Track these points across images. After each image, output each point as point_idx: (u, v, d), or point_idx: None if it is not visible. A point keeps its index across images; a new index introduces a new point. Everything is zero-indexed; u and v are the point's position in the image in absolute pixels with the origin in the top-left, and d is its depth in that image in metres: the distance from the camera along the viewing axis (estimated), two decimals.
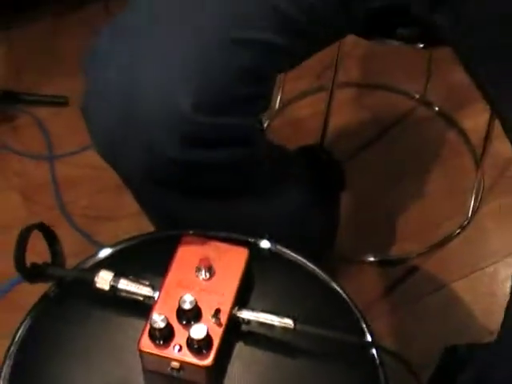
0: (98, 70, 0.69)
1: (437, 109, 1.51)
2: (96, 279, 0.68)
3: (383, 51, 1.57)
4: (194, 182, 0.73)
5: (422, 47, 1.00)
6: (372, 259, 1.30)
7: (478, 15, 0.81)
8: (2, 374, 0.67)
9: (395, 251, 1.32)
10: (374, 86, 1.54)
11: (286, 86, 1.45)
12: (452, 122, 1.49)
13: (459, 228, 1.34)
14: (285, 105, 1.49)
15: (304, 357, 0.65)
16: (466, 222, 1.34)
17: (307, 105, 1.48)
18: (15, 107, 1.51)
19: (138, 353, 0.63)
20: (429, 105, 1.52)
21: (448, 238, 1.32)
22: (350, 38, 0.99)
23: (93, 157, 0.89)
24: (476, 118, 1.46)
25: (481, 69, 0.83)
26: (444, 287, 1.27)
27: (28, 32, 1.65)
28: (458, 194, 1.38)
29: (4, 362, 0.68)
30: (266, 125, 1.45)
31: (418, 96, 1.52)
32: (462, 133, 1.47)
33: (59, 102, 1.52)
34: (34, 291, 0.75)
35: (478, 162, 1.36)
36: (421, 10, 0.88)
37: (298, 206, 0.93)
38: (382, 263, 1.30)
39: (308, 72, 1.52)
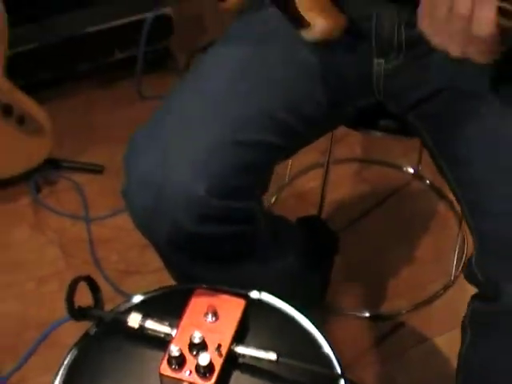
0: (136, 165, 0.93)
1: (428, 182, 1.73)
2: (128, 320, 0.89)
3: None
4: (206, 249, 0.96)
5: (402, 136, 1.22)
6: (365, 314, 1.50)
7: (442, 115, 1.03)
8: None
9: (386, 307, 1.52)
10: (373, 161, 1.77)
11: (294, 161, 1.68)
12: (442, 195, 1.71)
13: (443, 289, 1.54)
14: (293, 178, 1.72)
15: None
16: (449, 284, 1.55)
17: (313, 178, 1.70)
18: (57, 173, 1.75)
19: (158, 376, 0.84)
20: (421, 179, 1.74)
21: (433, 298, 1.53)
22: None
23: (123, 219, 1.11)
24: None
25: (441, 161, 1.05)
26: (427, 341, 1.47)
27: (68, 105, 1.90)
28: (443, 259, 1.59)
29: None
30: (274, 198, 1.67)
31: (412, 171, 1.75)
32: (451, 204, 1.69)
33: (95, 169, 1.76)
34: (73, 331, 0.96)
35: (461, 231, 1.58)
36: (396, 110, 1.11)
37: (294, 269, 1.15)
38: (374, 318, 1.50)
39: (315, 148, 1.74)
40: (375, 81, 1.07)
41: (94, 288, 0.94)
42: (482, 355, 0.94)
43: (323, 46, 1.00)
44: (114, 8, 1.85)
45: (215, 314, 0.88)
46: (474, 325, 0.94)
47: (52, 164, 1.73)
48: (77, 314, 0.92)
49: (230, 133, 0.92)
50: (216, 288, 0.92)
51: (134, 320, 0.89)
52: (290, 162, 1.67)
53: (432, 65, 1.02)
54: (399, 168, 1.75)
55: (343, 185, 1.71)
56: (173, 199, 0.90)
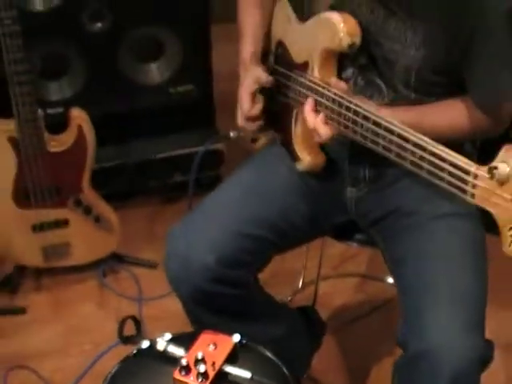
0: (171, 245, 1.45)
1: None
2: (157, 345, 1.36)
3: None
4: (217, 305, 1.44)
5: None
6: None
7: (390, 230, 1.50)
8: None
9: None
10: (372, 277, 2.22)
11: (307, 272, 2.15)
12: None
13: None
14: (305, 286, 2.18)
15: None
16: None
17: (322, 287, 2.15)
18: (120, 264, 2.26)
19: (172, 380, 1.30)
20: None
21: None
22: None
23: (169, 302, 1.57)
24: None
25: (389, 263, 1.50)
26: None
27: (135, 213, 2.43)
28: None
29: None
30: (289, 298, 2.13)
31: None
32: None
33: (150, 265, 2.26)
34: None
35: None
36: (364, 225, 1.58)
37: (284, 336, 1.60)
38: None
39: (328, 261, 2.21)
40: (349, 204, 1.55)
41: (138, 324, 1.42)
42: None
43: (310, 174, 1.51)
44: (178, 139, 2.41)
45: (215, 345, 1.34)
46: (396, 372, 1.38)
47: (116, 257, 2.24)
48: (124, 338, 1.39)
49: (237, 227, 1.42)
50: (217, 331, 1.39)
51: (161, 345, 1.36)
52: (303, 270, 2.15)
53: (386, 195, 1.50)
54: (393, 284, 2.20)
55: (344, 295, 2.17)
56: (192, 268, 1.41)
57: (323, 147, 1.51)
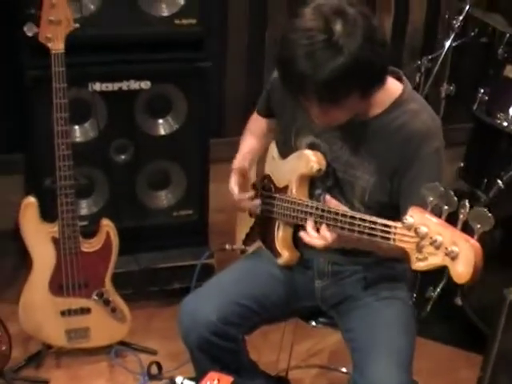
0: (183, 308, 2.09)
1: None
2: (176, 380, 1.95)
3: None
4: (213, 353, 2.05)
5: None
6: None
7: (345, 310, 2.13)
8: None
9: None
10: (332, 368, 2.81)
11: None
12: None
13: None
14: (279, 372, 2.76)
15: None
16: None
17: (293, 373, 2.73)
18: (127, 349, 2.82)
19: None
20: None
21: None
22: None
23: None
24: None
25: (344, 335, 2.12)
26: None
27: (141, 310, 3.00)
28: None
29: None
30: None
31: None
32: None
33: (151, 352, 2.82)
34: None
35: None
36: (325, 308, 2.21)
37: None
38: None
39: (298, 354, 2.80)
40: (316, 292, 2.19)
41: (160, 368, 2.02)
42: None
43: (287, 268, 2.16)
44: (177, 253, 3.05)
45: (218, 381, 1.93)
46: None
47: (125, 344, 2.82)
48: (151, 376, 1.98)
49: (233, 297, 2.08)
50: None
51: (179, 380, 1.95)
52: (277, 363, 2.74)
53: (343, 285, 2.15)
54: None
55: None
56: (200, 323, 2.03)
57: (298, 248, 2.17)
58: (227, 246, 2.40)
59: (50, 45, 2.42)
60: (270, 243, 2.22)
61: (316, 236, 1.93)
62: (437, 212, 1.63)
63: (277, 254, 2.18)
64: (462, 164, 3.36)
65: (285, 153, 2.21)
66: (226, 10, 3.55)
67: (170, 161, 3.04)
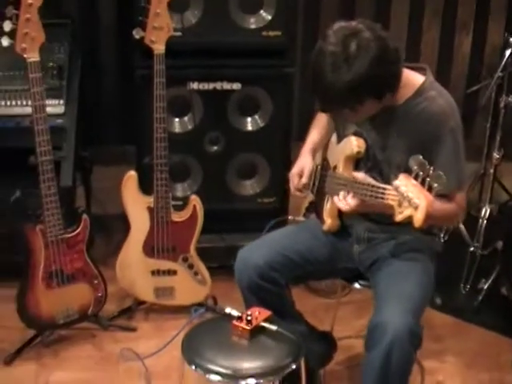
0: (240, 255, 2.66)
1: None
2: (226, 310, 2.48)
3: None
4: (261, 295, 2.59)
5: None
6: None
7: (376, 268, 2.61)
8: None
9: None
10: None
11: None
12: None
13: None
14: None
15: None
16: None
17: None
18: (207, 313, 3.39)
19: (231, 326, 2.41)
20: None
21: None
22: None
23: None
24: None
25: (373, 287, 2.61)
26: None
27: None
28: None
29: None
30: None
31: None
32: None
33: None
34: None
35: None
36: (362, 270, 2.69)
37: (305, 335, 2.68)
38: None
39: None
40: (355, 255, 2.68)
41: (216, 302, 2.56)
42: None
43: (332, 233, 2.67)
44: (257, 235, 3.60)
45: (259, 312, 2.44)
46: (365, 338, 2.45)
47: (205, 306, 3.38)
48: (207, 307, 2.53)
49: (280, 249, 2.61)
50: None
51: (228, 310, 2.47)
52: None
53: (376, 249, 2.63)
54: None
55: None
56: (250, 266, 2.58)
57: (341, 218, 2.68)
58: (290, 217, 2.95)
59: (153, 46, 3.05)
60: (319, 213, 2.74)
61: (343, 201, 2.46)
62: (417, 177, 2.16)
63: (322, 221, 2.70)
64: None
65: (339, 140, 2.73)
66: (315, 22, 4.11)
67: (256, 154, 3.61)
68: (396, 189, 2.17)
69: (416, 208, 2.10)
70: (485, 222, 3.69)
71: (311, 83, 2.42)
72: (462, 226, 3.74)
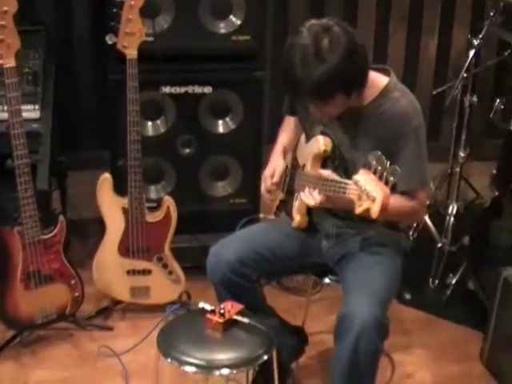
0: (212, 250, 2.76)
1: None
2: (199, 305, 2.58)
3: None
4: (233, 290, 2.69)
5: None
6: None
7: (345, 264, 2.73)
8: None
9: None
10: None
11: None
12: None
13: None
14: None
15: None
16: None
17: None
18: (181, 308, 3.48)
19: (205, 320, 2.51)
20: None
21: None
22: None
23: None
24: None
25: (341, 281, 2.72)
26: None
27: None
28: None
29: None
30: None
31: None
32: None
33: None
34: None
35: None
36: (331, 265, 2.80)
37: (277, 329, 2.79)
38: None
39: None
40: (323, 251, 2.79)
41: (189, 296, 2.66)
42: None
43: (301, 230, 2.77)
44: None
45: (231, 306, 2.54)
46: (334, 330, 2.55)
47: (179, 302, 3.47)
48: (182, 302, 2.62)
49: (251, 244, 2.71)
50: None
51: (201, 304, 2.57)
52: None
53: (344, 244, 2.74)
54: None
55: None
56: (222, 262, 2.68)
57: (309, 215, 2.78)
58: (261, 215, 3.06)
59: (126, 51, 3.15)
60: (289, 210, 2.85)
61: (309, 196, 2.57)
62: (376, 171, 2.27)
63: (291, 218, 2.81)
64: (494, 171, 3.91)
65: (308, 140, 2.84)
66: (284, 26, 4.23)
67: (228, 156, 3.72)
68: (356, 183, 2.29)
69: (373, 200, 2.22)
70: (452, 218, 3.83)
71: (283, 77, 2.51)
72: (430, 223, 3.87)
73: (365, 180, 2.26)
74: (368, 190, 2.24)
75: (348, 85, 2.47)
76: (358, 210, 2.28)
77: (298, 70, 2.43)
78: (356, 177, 2.29)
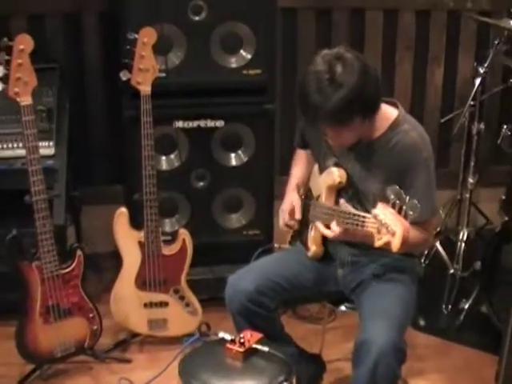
0: (230, 281, 2.82)
1: None
2: (219, 334, 2.62)
3: None
4: (251, 319, 2.73)
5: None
6: None
7: (361, 291, 2.77)
8: None
9: None
10: None
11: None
12: None
13: None
14: None
15: None
16: None
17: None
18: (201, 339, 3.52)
19: (225, 349, 2.55)
20: None
21: None
22: None
23: None
24: None
25: (359, 309, 2.76)
26: None
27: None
28: None
29: None
30: None
31: None
32: None
33: None
34: None
35: None
36: (347, 293, 2.85)
37: (295, 357, 2.83)
38: None
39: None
40: (339, 279, 2.84)
41: (209, 327, 2.71)
42: None
43: (316, 259, 2.82)
44: (245, 265, 3.75)
45: (251, 335, 2.59)
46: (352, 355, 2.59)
47: (199, 333, 3.51)
48: (202, 333, 2.66)
49: (269, 275, 2.76)
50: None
51: (221, 334, 2.62)
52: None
53: (359, 272, 2.79)
54: None
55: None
56: (240, 291, 2.73)
57: (325, 244, 2.83)
58: (276, 245, 3.12)
59: (140, 87, 3.22)
60: (304, 240, 2.91)
61: (327, 228, 2.64)
62: (394, 205, 2.34)
63: (307, 248, 2.87)
64: (503, 197, 3.96)
65: (321, 171, 2.90)
66: (294, 60, 4.30)
67: (241, 188, 3.78)
68: (375, 217, 2.34)
69: (393, 234, 2.27)
70: (463, 244, 3.88)
71: (300, 104, 2.58)
72: (441, 250, 3.92)
73: (384, 214, 2.32)
74: (388, 223, 2.29)
75: (365, 107, 2.55)
76: (378, 243, 2.33)
77: (315, 97, 2.50)
78: (375, 211, 2.35)
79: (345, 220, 2.56)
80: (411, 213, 2.32)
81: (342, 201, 2.65)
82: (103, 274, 4.07)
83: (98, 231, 4.03)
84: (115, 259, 3.59)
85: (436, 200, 2.71)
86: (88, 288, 3.49)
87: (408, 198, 2.32)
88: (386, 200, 2.36)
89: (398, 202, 2.33)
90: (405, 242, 2.27)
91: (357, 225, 2.49)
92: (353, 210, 2.55)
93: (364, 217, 2.46)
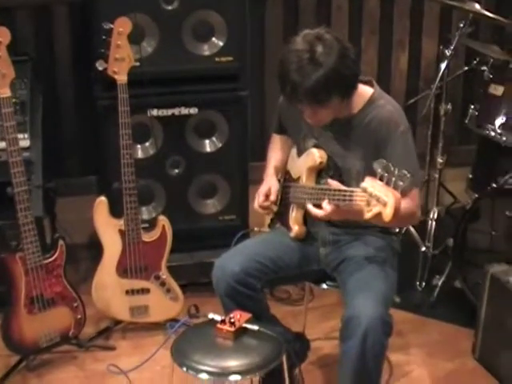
0: (217, 263, 2.87)
1: None
2: (209, 316, 2.68)
3: None
4: (238, 299, 2.79)
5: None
6: None
7: (343, 269, 2.85)
8: None
9: None
10: None
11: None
12: None
13: None
14: None
15: None
16: None
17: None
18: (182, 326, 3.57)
19: (216, 329, 2.61)
20: None
21: None
22: None
23: None
24: None
25: (341, 286, 2.83)
26: None
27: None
28: None
29: None
30: None
31: None
32: None
33: None
34: None
35: None
36: (329, 271, 2.92)
37: (281, 332, 2.89)
38: None
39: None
40: (321, 257, 2.91)
41: (197, 308, 2.76)
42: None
43: (298, 240, 2.89)
44: (222, 250, 3.81)
45: (240, 315, 2.65)
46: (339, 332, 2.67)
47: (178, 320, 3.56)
48: (191, 315, 2.72)
49: (254, 256, 2.82)
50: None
51: (211, 315, 2.67)
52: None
53: (341, 251, 2.87)
54: None
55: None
56: (227, 273, 2.79)
57: (306, 224, 2.90)
58: (256, 228, 3.18)
59: (116, 77, 3.26)
60: (286, 222, 2.97)
61: (318, 210, 2.68)
62: (382, 178, 2.39)
63: (289, 229, 2.93)
64: (470, 176, 4.07)
65: (299, 153, 2.96)
66: (262, 47, 4.38)
67: (216, 174, 3.84)
68: (364, 190, 2.39)
69: (385, 205, 2.32)
70: (434, 223, 3.98)
71: (280, 83, 2.64)
72: (412, 229, 4.01)
73: (372, 186, 2.37)
74: (378, 195, 2.34)
75: (343, 86, 2.62)
76: (368, 215, 2.38)
77: (295, 75, 2.56)
78: (363, 184, 2.40)
79: (331, 197, 2.62)
80: (401, 183, 2.36)
81: (329, 180, 2.70)
82: (80, 265, 4.09)
83: (73, 222, 4.04)
84: (91, 250, 3.63)
85: (418, 170, 2.80)
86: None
87: (397, 169, 2.37)
88: (373, 175, 2.41)
89: (386, 174, 2.38)
90: (396, 212, 2.32)
91: (344, 200, 2.55)
92: (340, 186, 2.62)
93: (352, 191, 2.52)
